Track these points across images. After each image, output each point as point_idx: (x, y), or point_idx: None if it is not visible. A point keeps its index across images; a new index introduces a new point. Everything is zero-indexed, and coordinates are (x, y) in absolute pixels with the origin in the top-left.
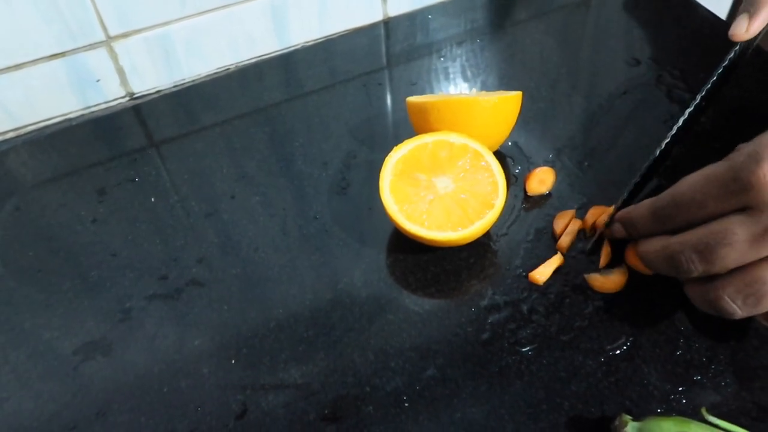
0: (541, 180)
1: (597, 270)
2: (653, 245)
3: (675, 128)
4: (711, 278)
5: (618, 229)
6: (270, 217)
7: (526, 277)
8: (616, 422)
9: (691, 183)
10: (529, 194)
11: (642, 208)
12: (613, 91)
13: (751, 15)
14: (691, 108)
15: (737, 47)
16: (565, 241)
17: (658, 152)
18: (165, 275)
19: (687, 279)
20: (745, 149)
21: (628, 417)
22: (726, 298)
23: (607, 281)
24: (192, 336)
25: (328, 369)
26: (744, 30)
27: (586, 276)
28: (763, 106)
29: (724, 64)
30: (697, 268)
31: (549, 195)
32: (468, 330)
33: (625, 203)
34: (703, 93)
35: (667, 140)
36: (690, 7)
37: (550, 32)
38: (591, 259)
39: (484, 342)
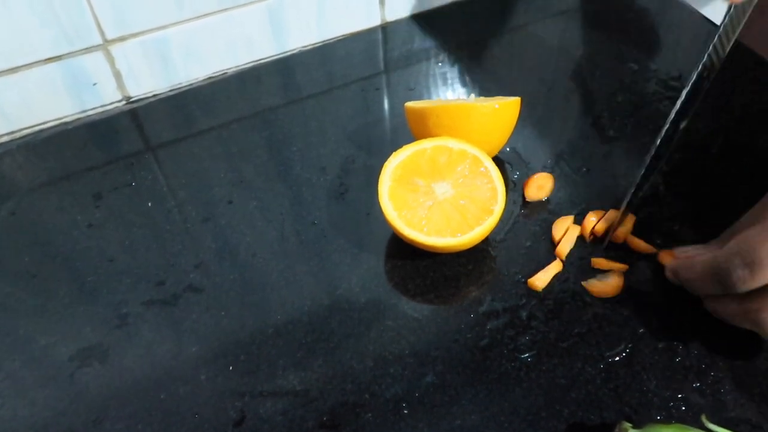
0: (540, 186)
1: (594, 276)
2: (731, 304)
3: (666, 125)
4: (749, 296)
5: (674, 280)
6: (268, 223)
7: (525, 283)
8: (616, 430)
9: (756, 240)
10: (527, 200)
11: (700, 267)
12: (612, 97)
13: None
14: (678, 107)
15: (714, 42)
16: (563, 247)
17: (653, 151)
18: (162, 281)
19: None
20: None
21: (628, 424)
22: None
23: (606, 286)
24: (189, 342)
25: (327, 375)
26: None
27: (584, 283)
28: (757, 108)
29: (703, 61)
30: (746, 284)
31: (547, 201)
32: (467, 336)
33: (630, 205)
34: (689, 89)
35: (661, 136)
36: (687, 13)
37: (548, 38)
38: (589, 264)
39: (483, 348)
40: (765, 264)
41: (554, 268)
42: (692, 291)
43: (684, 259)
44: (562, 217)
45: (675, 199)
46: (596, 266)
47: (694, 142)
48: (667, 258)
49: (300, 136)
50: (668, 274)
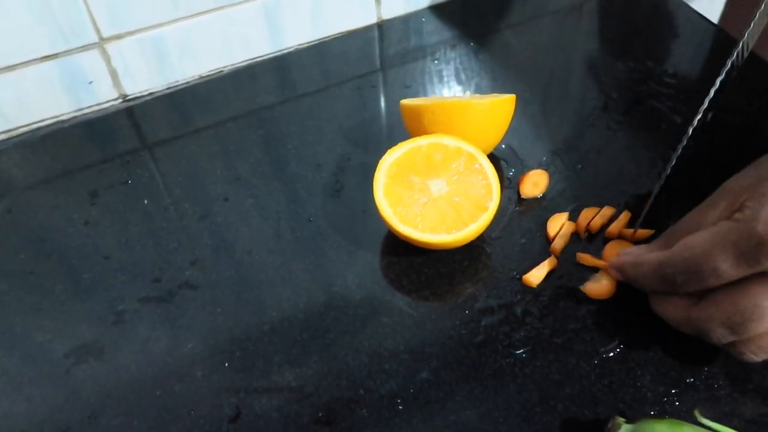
0: (535, 183)
1: (588, 277)
2: (675, 312)
3: (689, 132)
4: (696, 304)
5: (616, 276)
6: (264, 220)
7: (520, 279)
8: (610, 425)
9: (701, 248)
10: (522, 197)
11: (646, 267)
12: (606, 94)
13: None
14: (700, 114)
15: (738, 48)
16: (558, 243)
17: (675, 160)
18: (158, 278)
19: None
20: (755, 208)
21: (622, 419)
22: (748, 353)
23: (601, 287)
24: (185, 339)
25: (322, 372)
26: None
27: (581, 287)
28: (757, 108)
29: (726, 69)
30: (727, 339)
31: (542, 198)
32: (462, 332)
33: (648, 214)
34: (711, 96)
35: (683, 144)
36: (683, 11)
37: (543, 35)
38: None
39: (478, 344)
40: (708, 271)
41: (549, 264)
42: (637, 287)
43: (631, 256)
44: (557, 214)
45: (674, 199)
46: (580, 261)
47: (693, 143)
48: (611, 251)
49: (296, 134)
50: (612, 272)
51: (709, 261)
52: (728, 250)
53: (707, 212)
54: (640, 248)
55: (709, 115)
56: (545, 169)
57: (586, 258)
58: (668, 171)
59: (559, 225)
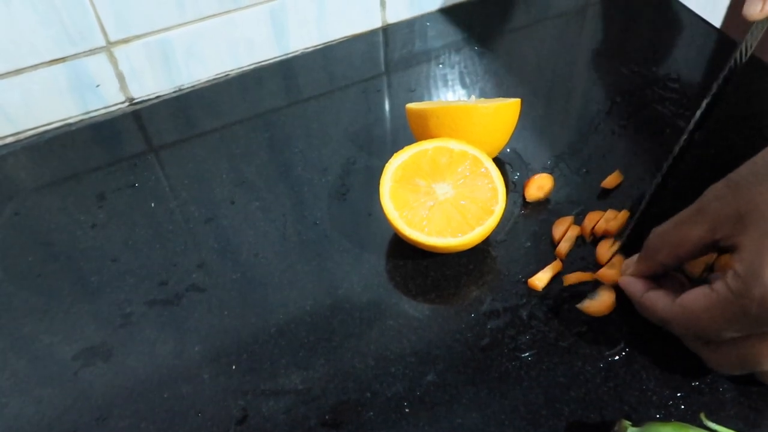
0: (540, 186)
1: (587, 296)
2: (726, 359)
3: (684, 135)
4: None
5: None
6: (270, 223)
7: (525, 283)
8: (616, 428)
9: (703, 316)
10: (527, 200)
11: (652, 312)
12: (611, 98)
13: None
14: (697, 117)
15: (737, 53)
16: (563, 247)
17: (671, 160)
18: (165, 281)
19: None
20: (746, 279)
21: (628, 422)
22: None
23: (600, 304)
24: (192, 341)
25: (329, 374)
26: (759, 9)
27: (578, 306)
28: (757, 110)
29: (723, 74)
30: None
31: (548, 201)
32: (468, 336)
33: (643, 214)
34: (709, 99)
35: (681, 145)
36: (686, 16)
37: (547, 39)
38: (591, 264)
39: (484, 348)
40: (714, 336)
41: (554, 267)
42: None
43: (656, 299)
44: (563, 218)
45: (673, 200)
46: (568, 283)
47: (693, 144)
48: (602, 252)
49: (301, 138)
50: (640, 310)
51: (712, 331)
52: (730, 324)
53: (689, 230)
54: (628, 264)
55: (707, 120)
56: (550, 173)
57: (571, 278)
58: (665, 169)
59: (564, 228)
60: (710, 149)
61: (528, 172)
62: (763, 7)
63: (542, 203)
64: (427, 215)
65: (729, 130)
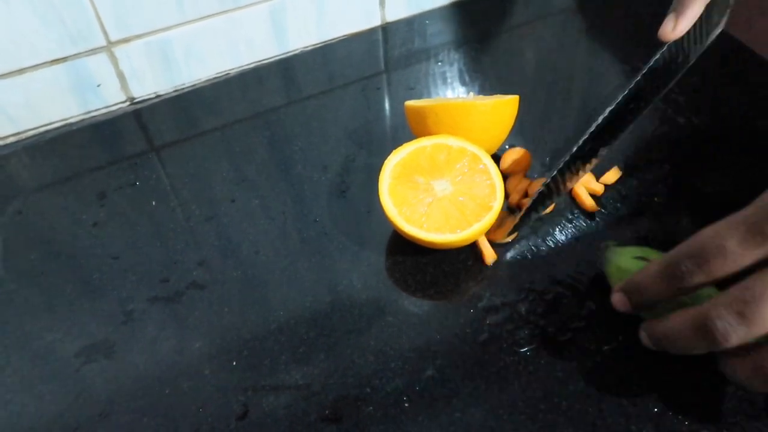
0: (516, 161)
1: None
2: (677, 318)
3: (592, 127)
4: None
5: (619, 300)
6: (270, 221)
7: (524, 278)
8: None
9: (711, 230)
10: (502, 171)
11: (649, 267)
12: (608, 95)
13: (678, 13)
14: (613, 106)
15: (666, 47)
16: (514, 199)
17: (575, 149)
18: (166, 278)
19: (723, 350)
20: None
21: (612, 242)
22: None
23: (504, 230)
24: (193, 338)
25: (329, 370)
26: (671, 29)
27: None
28: (757, 108)
29: (649, 65)
30: (737, 333)
31: None
32: (466, 331)
33: (554, 180)
34: (625, 96)
35: (584, 138)
36: None
37: (546, 37)
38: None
39: (483, 343)
40: (713, 250)
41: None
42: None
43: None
44: (515, 176)
45: (672, 201)
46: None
47: (693, 142)
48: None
49: (301, 136)
50: (618, 301)
51: (716, 238)
52: (738, 227)
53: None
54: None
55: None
56: (547, 170)
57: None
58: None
59: (516, 183)
60: (716, 150)
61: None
62: (676, 27)
63: None
64: (425, 212)
65: (734, 129)
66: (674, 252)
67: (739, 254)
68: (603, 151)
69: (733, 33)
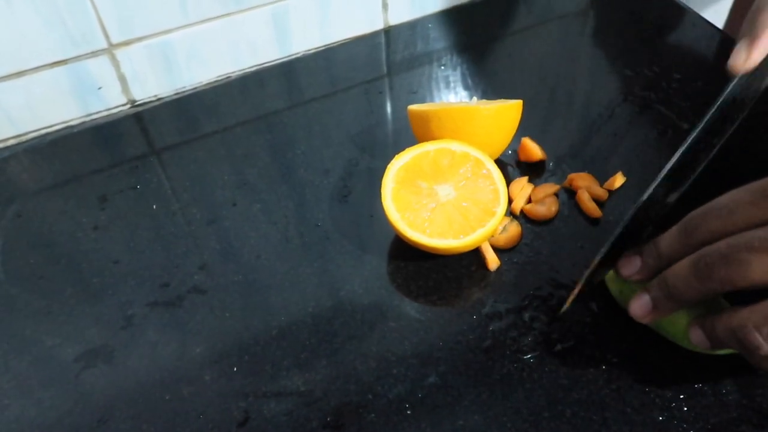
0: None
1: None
2: (716, 324)
3: (664, 171)
4: None
5: (630, 263)
6: (271, 225)
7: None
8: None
9: (730, 193)
10: (521, 160)
11: (670, 230)
12: (612, 100)
13: (752, 40)
14: (679, 155)
15: (738, 80)
16: (518, 203)
17: (646, 196)
18: (167, 282)
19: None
20: None
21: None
22: None
23: (508, 237)
24: (194, 343)
25: (331, 376)
26: (743, 60)
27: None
28: (758, 112)
29: (718, 103)
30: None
31: None
32: (470, 337)
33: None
34: (696, 135)
35: (657, 183)
36: (689, 17)
37: (549, 41)
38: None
39: (486, 349)
40: (724, 206)
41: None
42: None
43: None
44: (518, 179)
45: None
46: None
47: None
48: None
49: (303, 139)
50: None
51: (728, 196)
52: (751, 187)
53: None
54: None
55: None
56: (552, 175)
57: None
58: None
59: (519, 187)
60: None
61: (529, 173)
62: (749, 56)
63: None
64: (428, 217)
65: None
66: (687, 216)
67: (750, 209)
68: (673, 197)
69: (735, 36)
